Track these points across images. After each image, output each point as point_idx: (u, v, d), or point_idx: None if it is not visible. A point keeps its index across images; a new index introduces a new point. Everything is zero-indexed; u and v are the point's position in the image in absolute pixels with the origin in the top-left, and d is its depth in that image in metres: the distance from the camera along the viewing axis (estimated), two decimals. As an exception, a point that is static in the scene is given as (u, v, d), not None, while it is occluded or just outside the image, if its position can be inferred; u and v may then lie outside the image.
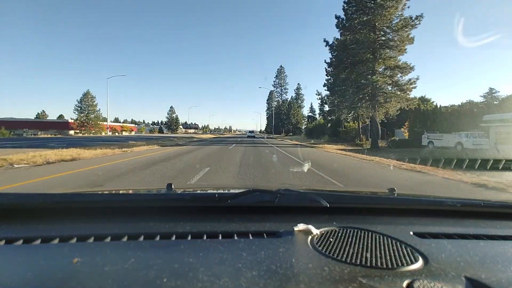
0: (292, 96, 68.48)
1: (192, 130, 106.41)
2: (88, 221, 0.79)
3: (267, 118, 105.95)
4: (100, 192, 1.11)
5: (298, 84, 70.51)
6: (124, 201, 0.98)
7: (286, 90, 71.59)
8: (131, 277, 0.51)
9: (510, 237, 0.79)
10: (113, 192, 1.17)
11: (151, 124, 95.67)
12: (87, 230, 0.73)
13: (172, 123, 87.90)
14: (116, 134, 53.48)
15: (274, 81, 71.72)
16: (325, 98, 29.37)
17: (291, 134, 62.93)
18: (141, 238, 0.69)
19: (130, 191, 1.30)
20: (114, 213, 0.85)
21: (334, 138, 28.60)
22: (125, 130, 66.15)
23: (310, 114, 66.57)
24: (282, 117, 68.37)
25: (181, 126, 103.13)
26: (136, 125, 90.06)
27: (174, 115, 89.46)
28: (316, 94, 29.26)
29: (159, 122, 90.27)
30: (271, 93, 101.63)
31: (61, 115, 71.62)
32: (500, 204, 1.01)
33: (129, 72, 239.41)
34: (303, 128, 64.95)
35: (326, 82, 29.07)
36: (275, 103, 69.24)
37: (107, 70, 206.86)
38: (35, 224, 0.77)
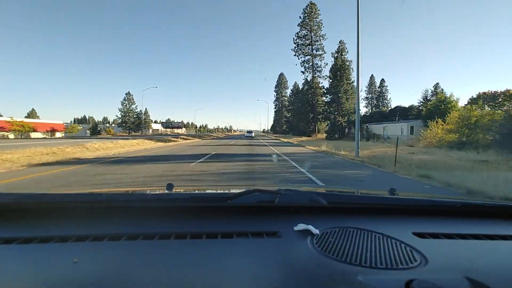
0: (333, 62, 34.36)
1: (179, 130, 74.32)
2: (87, 221, 0.79)
3: (275, 111, 71.85)
4: (99, 192, 1.08)
5: (340, 42, 33.37)
6: (123, 201, 0.95)
7: (320, 53, 35.03)
8: (130, 277, 0.52)
9: (510, 237, 0.78)
10: (113, 192, 1.14)
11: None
12: (86, 230, 0.72)
13: (128, 119, 54.96)
14: None
15: (294, 39, 36.05)
16: None
17: (336, 136, 31.08)
18: (140, 238, 0.68)
19: (130, 191, 1.21)
20: (113, 213, 0.84)
21: None
22: (19, 130, 34.25)
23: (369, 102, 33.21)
24: (314, 103, 34.91)
25: (153, 125, 71.31)
26: (65, 124, 55.85)
27: (133, 106, 56.26)
28: None
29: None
30: (281, 75, 69.67)
31: None
32: (500, 204, 1.01)
33: (127, 69, 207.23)
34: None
35: None
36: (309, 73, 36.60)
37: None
38: (34, 224, 0.76)
